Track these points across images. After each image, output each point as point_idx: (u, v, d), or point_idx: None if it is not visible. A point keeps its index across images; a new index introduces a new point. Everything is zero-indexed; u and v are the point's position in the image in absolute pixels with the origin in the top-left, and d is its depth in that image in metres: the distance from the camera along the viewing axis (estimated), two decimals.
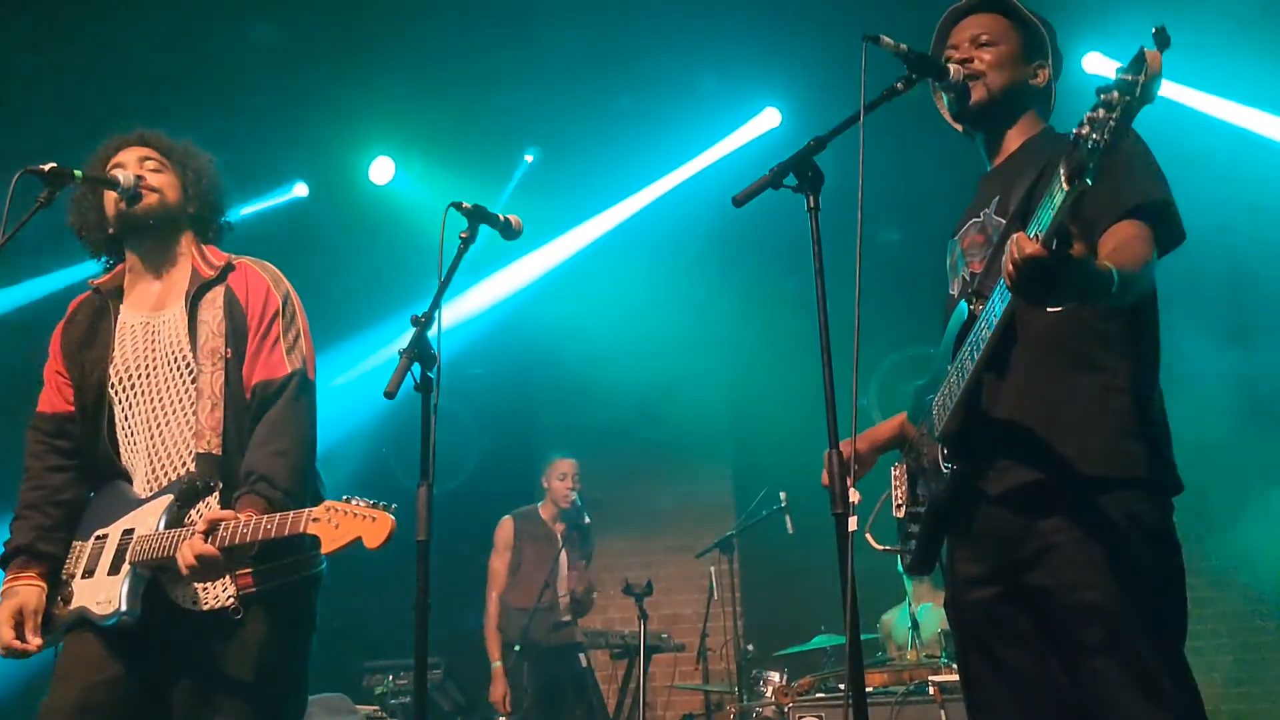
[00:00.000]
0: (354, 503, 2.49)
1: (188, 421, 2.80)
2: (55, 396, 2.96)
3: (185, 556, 2.56)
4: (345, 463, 7.32)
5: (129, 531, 2.75)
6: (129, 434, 2.85)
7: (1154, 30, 1.76)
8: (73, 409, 2.93)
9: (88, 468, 2.92)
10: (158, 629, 2.71)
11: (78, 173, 2.84)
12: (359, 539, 2.45)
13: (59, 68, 5.98)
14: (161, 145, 3.02)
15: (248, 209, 7.06)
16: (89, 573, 2.76)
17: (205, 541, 2.55)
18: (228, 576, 2.71)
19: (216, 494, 2.75)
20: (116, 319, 2.94)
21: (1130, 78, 1.76)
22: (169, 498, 2.74)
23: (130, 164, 2.95)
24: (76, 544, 2.84)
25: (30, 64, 5.95)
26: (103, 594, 2.70)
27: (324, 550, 2.48)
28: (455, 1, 6.20)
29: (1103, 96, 1.79)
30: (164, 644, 2.72)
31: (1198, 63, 6.08)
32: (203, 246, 3.02)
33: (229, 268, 2.95)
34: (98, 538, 2.81)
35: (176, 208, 2.97)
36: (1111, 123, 1.77)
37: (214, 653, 2.70)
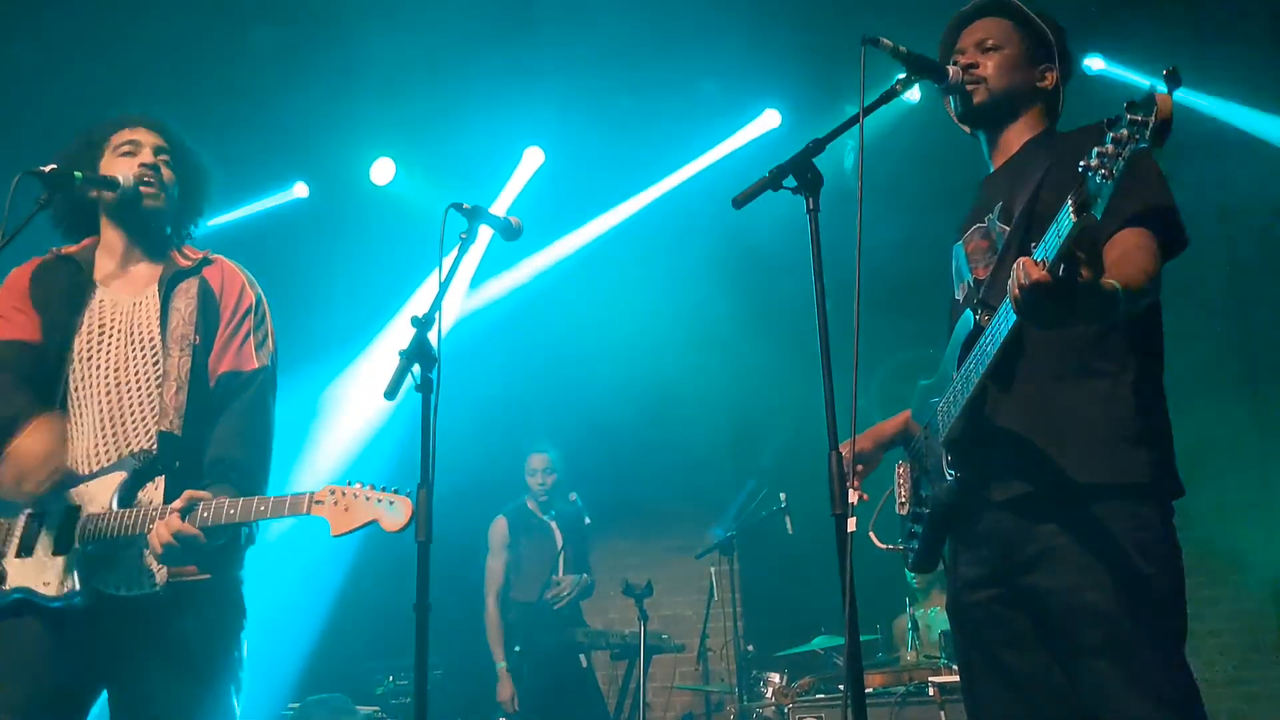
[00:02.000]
0: (359, 486, 2.52)
1: (150, 401, 2.77)
2: (13, 327, 2.84)
3: (161, 535, 2.53)
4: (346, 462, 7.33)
5: (74, 509, 2.66)
6: (78, 407, 2.77)
7: (1165, 71, 1.74)
8: (38, 339, 2.81)
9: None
10: (88, 616, 2.63)
11: (78, 174, 2.84)
12: (374, 522, 2.48)
13: (59, 68, 5.98)
14: (172, 137, 3.03)
15: (248, 209, 7.07)
16: (26, 550, 2.65)
17: (181, 520, 2.53)
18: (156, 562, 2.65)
19: (165, 475, 2.71)
20: (88, 292, 2.88)
21: (1140, 119, 1.75)
22: (121, 475, 2.68)
23: (145, 146, 2.94)
24: (1, 521, 2.71)
25: (31, 65, 5.95)
26: (49, 574, 2.60)
27: (335, 533, 2.50)
28: (456, 2, 6.20)
29: (1113, 134, 1.78)
30: (98, 631, 2.64)
31: (1199, 65, 6.07)
32: (181, 239, 3.05)
33: (205, 261, 2.99)
34: (31, 516, 2.68)
35: (176, 206, 2.99)
36: (1120, 161, 1.77)
37: (145, 638, 2.64)
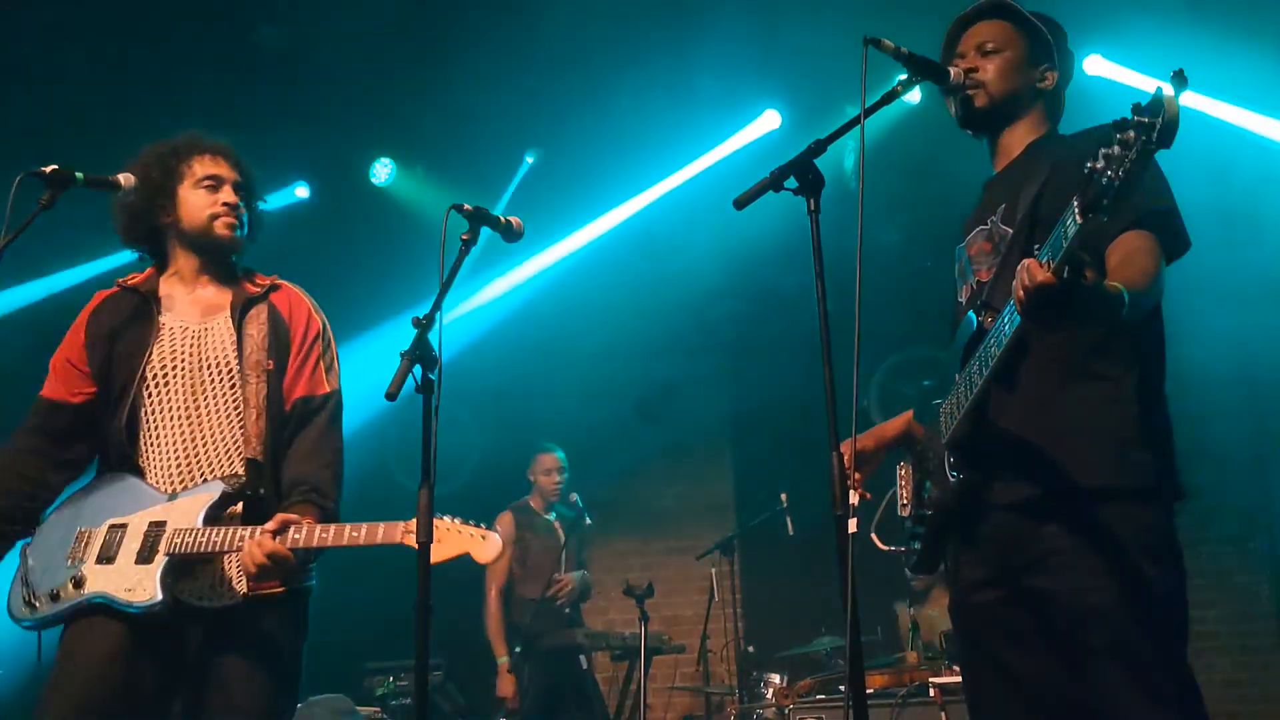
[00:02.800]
0: (450, 520, 2.66)
1: (234, 427, 2.88)
2: (59, 386, 2.97)
3: (255, 555, 2.64)
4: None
5: (158, 524, 2.77)
6: (152, 431, 2.88)
7: (1173, 73, 1.75)
8: (75, 401, 2.94)
9: (68, 460, 2.96)
10: (166, 623, 2.74)
11: (79, 175, 2.85)
12: (466, 554, 2.65)
13: (62, 69, 5.98)
14: (246, 173, 3.10)
15: None
16: (107, 559, 2.77)
17: (274, 540, 2.63)
18: (238, 573, 2.78)
19: (248, 498, 2.82)
20: (157, 319, 2.96)
21: (1147, 120, 1.75)
22: (210, 496, 2.78)
23: (227, 183, 3.01)
24: (83, 529, 2.85)
25: (33, 65, 5.96)
26: (131, 581, 2.72)
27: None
28: (456, 2, 6.20)
29: (1119, 135, 1.79)
30: (172, 639, 2.75)
31: (1199, 66, 6.06)
32: (246, 267, 3.14)
33: (273, 287, 3.08)
34: (113, 526, 2.81)
35: (245, 239, 3.09)
36: (1128, 162, 1.77)
37: (223, 648, 2.75)
